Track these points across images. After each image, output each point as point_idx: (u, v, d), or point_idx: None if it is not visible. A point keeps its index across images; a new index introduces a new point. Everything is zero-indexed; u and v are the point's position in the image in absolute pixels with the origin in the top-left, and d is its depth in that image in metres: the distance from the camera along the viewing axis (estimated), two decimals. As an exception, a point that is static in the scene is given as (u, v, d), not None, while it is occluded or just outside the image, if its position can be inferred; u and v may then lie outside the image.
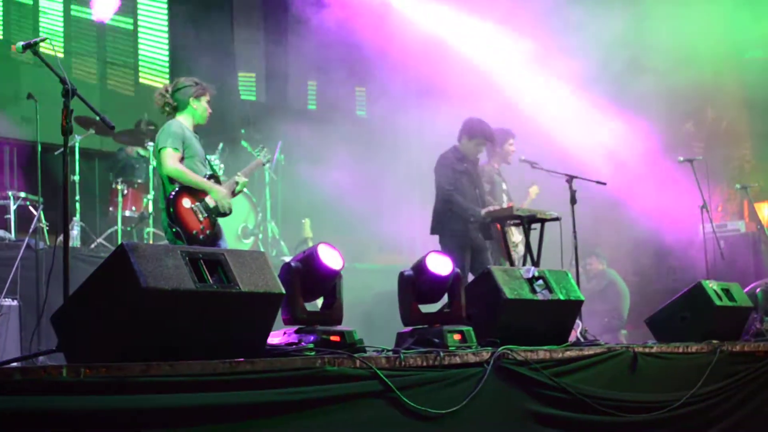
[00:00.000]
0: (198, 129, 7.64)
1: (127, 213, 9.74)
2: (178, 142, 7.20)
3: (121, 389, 3.95)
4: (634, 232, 13.13)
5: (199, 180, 7.26)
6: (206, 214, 7.22)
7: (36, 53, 5.34)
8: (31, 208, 9.03)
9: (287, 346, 4.93)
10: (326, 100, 13.79)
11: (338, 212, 12.10)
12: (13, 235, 8.75)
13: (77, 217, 9.67)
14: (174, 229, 7.04)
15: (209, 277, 4.45)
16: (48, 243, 8.63)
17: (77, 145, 9.84)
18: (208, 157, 9.85)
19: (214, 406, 4.22)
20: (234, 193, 7.65)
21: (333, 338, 5.09)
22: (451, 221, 8.81)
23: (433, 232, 9.08)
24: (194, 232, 7.10)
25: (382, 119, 14.53)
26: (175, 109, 7.45)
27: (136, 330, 4.19)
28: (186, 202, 7.14)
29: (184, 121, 7.42)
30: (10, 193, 9.08)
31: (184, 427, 4.12)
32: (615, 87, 12.43)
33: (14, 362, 4.95)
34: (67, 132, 5.08)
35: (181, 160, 7.24)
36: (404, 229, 14.49)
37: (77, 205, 9.76)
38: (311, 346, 4.93)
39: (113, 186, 9.94)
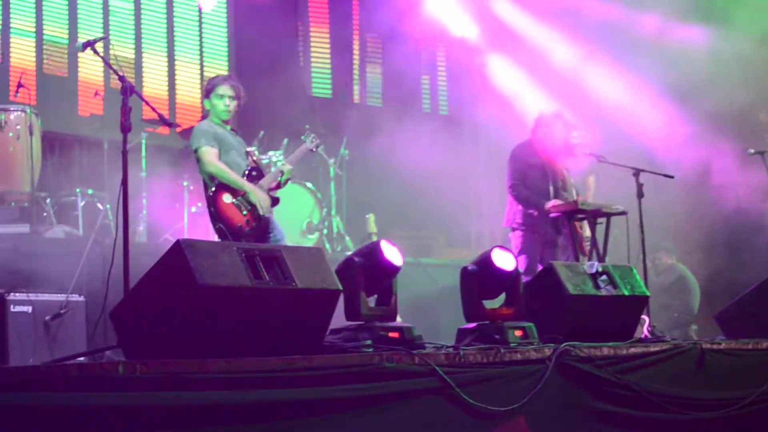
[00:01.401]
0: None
1: (193, 209, 9.79)
2: (211, 139, 7.21)
3: (177, 386, 3.97)
4: (706, 225, 12.91)
5: (237, 180, 7.24)
6: (249, 207, 7.21)
7: (96, 52, 5.39)
8: (98, 204, 9.12)
9: (345, 343, 4.90)
10: (393, 95, 13.74)
11: (404, 207, 12.07)
12: (80, 231, 8.84)
13: (144, 213, 9.75)
14: (218, 226, 7.05)
15: (265, 274, 4.45)
16: (118, 239, 8.70)
17: (144, 141, 9.91)
18: (271, 152, 9.95)
19: (270, 403, 4.22)
20: (281, 183, 7.62)
21: (392, 334, 5.05)
22: (523, 214, 8.74)
23: (506, 224, 9.04)
24: (239, 226, 7.09)
25: (449, 114, 14.52)
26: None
27: (192, 326, 4.21)
28: (227, 198, 7.14)
29: (211, 118, 7.45)
30: (77, 190, 9.18)
31: (241, 425, 4.13)
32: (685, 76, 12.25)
33: (78, 357, 5.02)
34: (126, 129, 5.11)
35: (218, 156, 7.25)
36: (473, 223, 14.45)
37: (144, 201, 9.84)
38: (369, 342, 4.89)
39: (181, 182, 10.00)
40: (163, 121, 5.37)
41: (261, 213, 7.26)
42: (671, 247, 12.58)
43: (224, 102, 7.46)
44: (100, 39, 5.47)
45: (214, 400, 4.05)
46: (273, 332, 4.48)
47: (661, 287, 12.01)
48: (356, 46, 13.61)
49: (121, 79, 5.20)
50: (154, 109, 5.37)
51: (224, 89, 7.48)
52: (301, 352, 4.44)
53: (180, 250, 4.22)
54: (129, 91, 5.13)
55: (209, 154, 7.16)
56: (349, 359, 4.58)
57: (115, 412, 3.77)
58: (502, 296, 5.98)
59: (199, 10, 12.09)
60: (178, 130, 10.29)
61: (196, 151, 7.23)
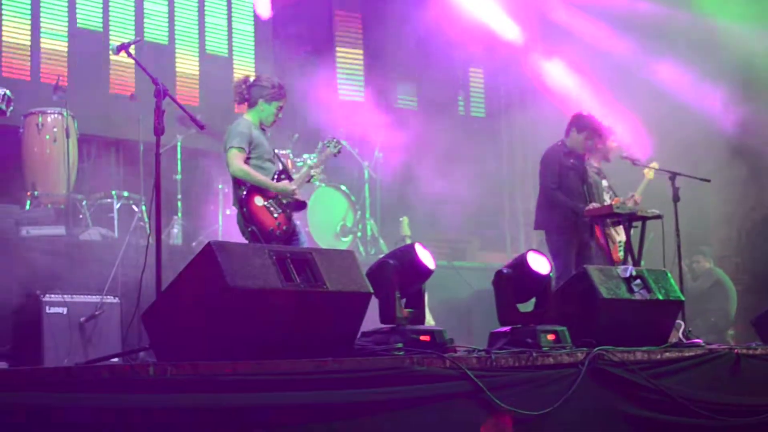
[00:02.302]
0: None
1: (228, 212, 9.82)
2: (245, 142, 7.21)
3: (208, 388, 3.98)
4: (744, 228, 12.82)
5: (264, 181, 7.25)
6: (281, 210, 7.23)
7: (130, 54, 5.42)
8: (133, 206, 9.18)
9: (376, 346, 4.90)
10: (427, 99, 13.73)
11: (438, 211, 12.05)
12: (115, 234, 8.90)
13: (179, 216, 9.79)
14: (250, 228, 7.06)
15: (296, 276, 4.45)
16: (150, 242, 8.76)
17: (179, 144, 9.96)
18: (306, 155, 9.96)
19: (300, 406, 4.22)
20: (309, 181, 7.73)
21: (423, 338, 5.04)
22: (558, 217, 8.68)
23: (537, 227, 8.97)
24: (270, 229, 7.11)
25: (483, 118, 14.48)
26: (245, 101, 7.46)
27: (222, 328, 4.21)
28: (259, 200, 7.16)
29: (250, 119, 7.43)
30: (113, 192, 9.24)
31: (271, 427, 4.13)
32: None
33: (111, 359, 5.06)
34: (159, 132, 5.14)
35: (247, 160, 7.25)
36: (507, 227, 14.42)
37: (179, 203, 9.88)
38: (400, 345, 4.89)
39: (215, 185, 10.04)
40: (194, 122, 5.40)
41: (290, 198, 7.32)
42: (708, 251, 12.48)
43: (277, 113, 7.48)
44: (135, 42, 5.48)
45: (245, 402, 4.05)
46: (304, 335, 4.49)
47: (698, 291, 11.93)
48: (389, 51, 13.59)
49: (155, 82, 5.23)
50: (185, 111, 5.41)
51: (285, 101, 7.51)
52: (332, 355, 4.44)
53: (211, 252, 4.23)
54: (162, 94, 5.16)
55: (237, 158, 7.17)
56: (380, 362, 4.58)
57: (146, 414, 3.78)
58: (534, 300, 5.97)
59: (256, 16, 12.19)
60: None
61: (227, 150, 7.25)
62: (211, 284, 4.21)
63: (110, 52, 5.54)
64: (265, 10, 12.21)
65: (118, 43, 5.48)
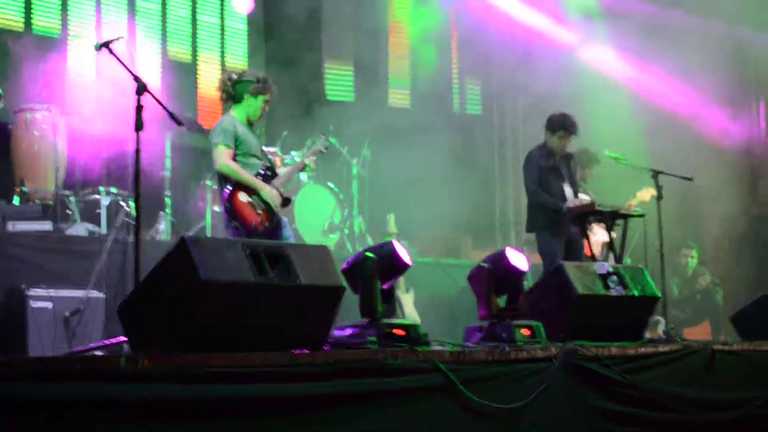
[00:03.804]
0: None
1: (216, 208, 9.88)
2: (230, 138, 7.27)
3: (181, 380, 4.02)
4: (727, 227, 12.92)
5: (249, 179, 7.31)
6: (264, 207, 7.29)
7: (111, 52, 5.47)
8: (121, 202, 9.23)
9: (349, 339, 4.96)
10: (418, 97, 13.79)
11: (432, 209, 12.10)
12: (103, 230, 8.95)
13: (168, 212, 9.84)
14: (233, 224, 7.13)
15: (270, 270, 4.51)
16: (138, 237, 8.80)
17: (168, 140, 10.00)
18: (294, 152, 10.02)
19: (273, 398, 4.26)
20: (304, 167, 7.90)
21: (397, 332, 5.09)
22: (542, 216, 8.77)
23: (528, 229, 9.10)
24: (253, 224, 7.18)
25: (481, 115, 14.54)
26: (232, 98, 7.50)
27: (196, 321, 4.26)
28: (243, 197, 7.22)
29: (237, 115, 7.48)
30: (101, 189, 9.30)
31: (244, 419, 4.18)
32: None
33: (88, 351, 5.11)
34: (139, 127, 5.20)
35: (234, 156, 7.30)
36: (499, 226, 14.50)
37: (167, 199, 9.93)
38: (374, 339, 4.95)
39: (202, 181, 10.10)
40: (173, 119, 5.46)
41: (274, 209, 7.35)
42: (694, 247, 12.55)
43: (263, 107, 7.52)
44: (117, 39, 5.54)
45: (218, 394, 4.10)
46: (277, 328, 4.54)
47: (686, 287, 12.06)
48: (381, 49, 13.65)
49: (135, 78, 5.29)
50: (165, 108, 5.46)
51: (271, 95, 7.54)
52: (306, 348, 4.49)
53: (185, 245, 4.28)
54: (142, 90, 5.22)
55: (224, 154, 7.23)
56: (353, 355, 4.63)
57: (118, 405, 3.82)
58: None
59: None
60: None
61: (213, 146, 7.32)
62: (185, 278, 4.25)
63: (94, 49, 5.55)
64: (244, 6, 12.24)
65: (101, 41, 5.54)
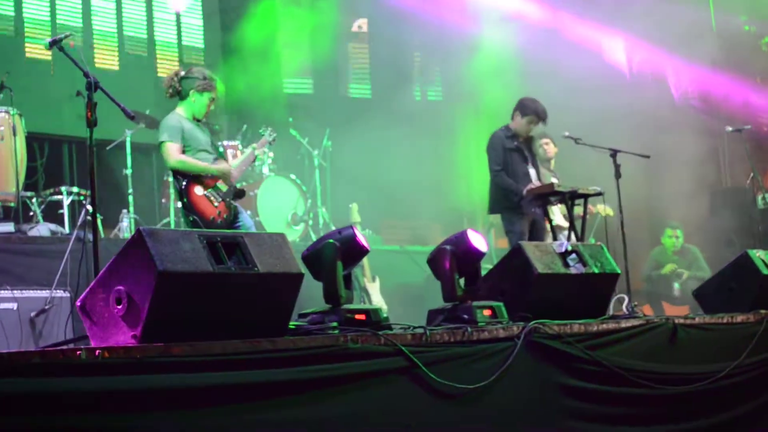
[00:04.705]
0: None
1: (179, 204, 9.86)
2: (176, 134, 7.30)
3: (141, 370, 4.03)
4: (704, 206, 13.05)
5: (202, 165, 7.34)
6: (221, 199, 7.32)
7: (61, 49, 5.47)
8: (84, 201, 9.21)
9: (310, 325, 4.98)
10: (378, 86, 13.82)
11: (400, 197, 12.15)
12: (66, 229, 8.94)
13: (131, 210, 9.83)
14: (191, 218, 7.16)
15: (227, 260, 4.52)
16: (102, 236, 8.81)
17: (129, 139, 10.00)
18: (254, 145, 10.03)
19: (235, 386, 4.28)
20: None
21: (358, 317, 5.12)
22: (504, 199, 8.85)
23: (491, 211, 9.18)
24: (211, 217, 7.22)
25: (443, 100, 14.58)
26: (178, 94, 7.53)
27: (155, 312, 4.27)
28: (198, 190, 7.26)
29: (182, 112, 7.50)
30: (63, 189, 9.28)
31: (205, 407, 4.20)
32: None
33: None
34: (91, 125, 5.20)
35: (183, 151, 7.32)
36: (466, 212, 14.53)
37: (130, 198, 9.93)
38: (335, 324, 4.97)
39: (165, 178, 10.10)
40: (125, 113, 5.47)
41: (228, 186, 7.40)
42: (679, 226, 12.65)
43: (209, 104, 7.55)
44: (66, 36, 5.54)
45: (179, 383, 4.12)
46: (237, 317, 4.55)
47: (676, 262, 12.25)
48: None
49: (86, 74, 5.29)
50: (117, 104, 5.46)
51: (217, 92, 7.57)
52: (267, 335, 4.51)
53: (141, 237, 4.29)
54: (93, 87, 5.22)
55: (171, 150, 7.27)
56: (314, 340, 4.64)
57: (77, 397, 3.83)
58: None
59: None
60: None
61: (160, 144, 7.35)
62: (142, 269, 4.26)
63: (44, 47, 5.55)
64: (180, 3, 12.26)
65: (50, 39, 5.54)
